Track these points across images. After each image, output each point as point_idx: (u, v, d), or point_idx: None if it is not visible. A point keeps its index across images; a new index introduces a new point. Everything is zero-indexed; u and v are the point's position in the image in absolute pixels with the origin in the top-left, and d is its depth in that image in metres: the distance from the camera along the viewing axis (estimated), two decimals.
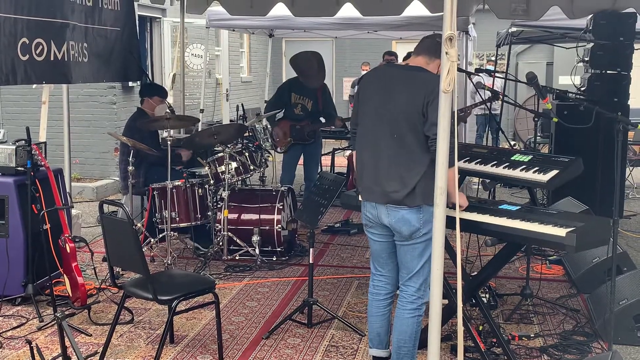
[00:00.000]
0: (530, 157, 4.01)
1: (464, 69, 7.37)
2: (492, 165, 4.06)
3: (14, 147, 5.13)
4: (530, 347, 4.53)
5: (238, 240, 6.31)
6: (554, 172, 3.79)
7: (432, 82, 3.58)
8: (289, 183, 7.48)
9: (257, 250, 6.27)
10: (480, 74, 6.42)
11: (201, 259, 6.21)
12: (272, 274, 6.08)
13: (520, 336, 4.66)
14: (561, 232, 3.44)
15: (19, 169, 5.12)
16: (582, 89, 8.67)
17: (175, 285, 4.14)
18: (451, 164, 3.26)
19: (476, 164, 4.13)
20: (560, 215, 3.72)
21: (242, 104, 8.12)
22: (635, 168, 10.70)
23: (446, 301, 4.14)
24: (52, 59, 5.50)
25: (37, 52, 5.32)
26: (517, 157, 4.05)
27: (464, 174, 4.24)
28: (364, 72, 13.41)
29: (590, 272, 5.57)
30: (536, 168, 3.88)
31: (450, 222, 3.49)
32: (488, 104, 6.28)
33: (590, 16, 7.93)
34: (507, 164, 4.02)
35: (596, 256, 5.58)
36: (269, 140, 7.70)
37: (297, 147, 7.71)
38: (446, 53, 3.06)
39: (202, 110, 9.29)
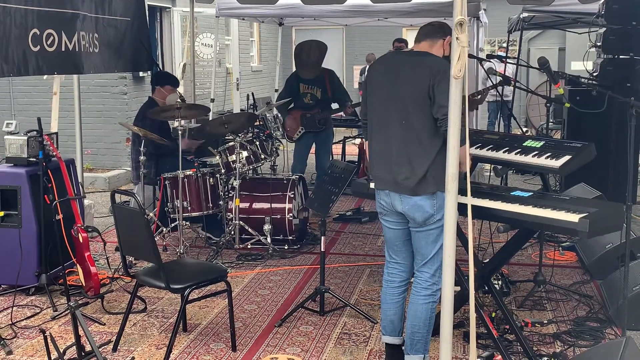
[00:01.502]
0: (542, 142, 3.98)
1: (474, 55, 7.32)
2: (504, 152, 4.03)
3: (26, 137, 5.14)
4: (544, 333, 4.52)
5: (250, 229, 6.31)
6: (567, 158, 3.75)
7: (437, 64, 3.58)
8: (301, 172, 7.48)
9: (268, 239, 6.27)
10: (491, 60, 6.39)
11: (213, 248, 6.22)
12: (284, 262, 6.08)
13: (533, 323, 4.65)
14: (574, 217, 3.42)
15: (31, 159, 5.13)
16: (594, 74, 8.61)
17: (187, 274, 4.15)
18: (462, 143, 3.25)
19: (488, 150, 4.10)
20: (573, 201, 3.69)
21: (252, 93, 8.13)
22: None
23: (458, 288, 4.14)
24: (63, 49, 5.52)
25: (48, 42, 5.34)
26: (529, 143, 4.02)
27: (475, 160, 4.21)
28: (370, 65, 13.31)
29: (603, 258, 5.54)
30: (549, 154, 3.84)
31: (462, 208, 3.49)
32: (500, 90, 6.26)
33: (603, 0, 7.85)
34: (519, 150, 3.99)
35: (609, 242, 5.55)
36: (280, 129, 7.70)
37: (308, 135, 7.71)
38: (457, 38, 3.03)
39: (212, 100, 9.28)
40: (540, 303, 5.08)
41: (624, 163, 7.45)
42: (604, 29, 8.10)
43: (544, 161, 3.82)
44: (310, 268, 5.90)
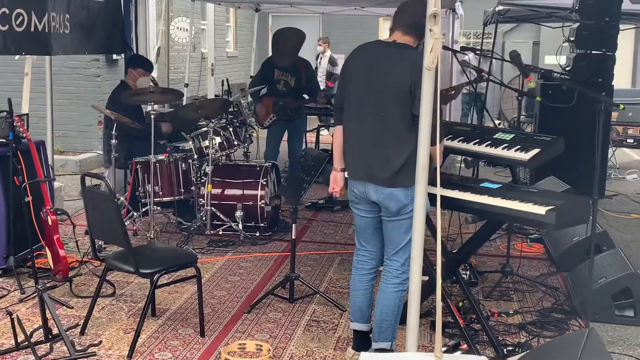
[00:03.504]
0: (512, 135, 4.02)
1: (449, 47, 7.34)
2: (474, 143, 4.07)
3: None
4: (509, 323, 4.58)
5: (221, 215, 6.30)
6: (536, 151, 3.80)
7: (420, 61, 3.57)
8: (273, 159, 7.46)
9: (240, 226, 6.26)
10: (466, 53, 6.44)
11: (184, 234, 6.20)
12: (255, 249, 6.09)
13: (499, 313, 4.71)
14: (541, 210, 3.47)
15: (1, 140, 5.07)
16: (567, 68, 8.71)
17: (157, 259, 4.14)
18: (434, 142, 3.28)
19: (459, 141, 4.14)
20: (540, 194, 3.75)
21: (226, 79, 8.08)
22: (618, 149, 10.79)
23: (426, 278, 4.18)
24: (32, 29, 5.45)
25: (17, 22, 5.27)
26: (499, 135, 4.06)
27: (446, 151, 4.23)
28: (319, 48, 13.22)
29: (570, 251, 5.63)
30: (518, 146, 3.90)
31: (433, 199, 3.53)
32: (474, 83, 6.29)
33: None
34: (490, 142, 4.03)
35: (576, 235, 5.64)
36: (253, 116, 7.69)
37: (280, 123, 7.68)
38: (430, 30, 3.05)
39: (187, 85, 9.25)
40: (507, 294, 5.15)
41: (593, 157, 7.58)
42: (578, 24, 8.19)
43: (513, 154, 3.87)
44: (281, 255, 5.91)
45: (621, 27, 9.68)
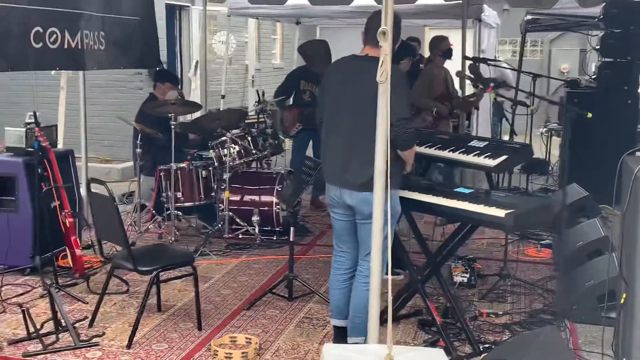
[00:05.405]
0: (485, 143, 4.22)
1: (468, 56, 7.51)
2: (449, 150, 4.29)
3: (24, 129, 5.54)
4: (496, 323, 4.76)
5: (239, 220, 6.64)
6: (503, 158, 4.00)
7: (391, 73, 3.82)
8: (299, 168, 7.72)
9: (256, 230, 6.59)
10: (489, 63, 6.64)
11: (202, 237, 6.55)
12: (269, 252, 6.40)
13: (488, 313, 4.89)
14: (501, 213, 3.67)
15: (29, 149, 5.53)
16: (593, 77, 8.76)
17: (156, 258, 4.49)
18: (402, 148, 3.65)
19: (436, 149, 4.36)
20: (508, 198, 3.94)
21: (257, 90, 8.42)
22: None
23: (401, 277, 4.44)
24: (65, 47, 5.92)
25: (51, 40, 5.74)
26: (473, 143, 4.27)
27: (427, 158, 4.46)
28: None
29: (572, 256, 5.73)
30: (488, 153, 4.09)
31: (411, 204, 3.78)
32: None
33: (603, 5, 8.01)
34: (464, 149, 4.24)
35: (580, 240, 5.74)
36: (280, 125, 8.01)
37: (306, 132, 7.96)
38: (380, 46, 3.31)
39: (223, 96, 9.64)
40: (503, 296, 5.31)
41: (610, 165, 7.68)
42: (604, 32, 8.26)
43: (482, 160, 4.08)
44: (294, 258, 6.18)
45: None
